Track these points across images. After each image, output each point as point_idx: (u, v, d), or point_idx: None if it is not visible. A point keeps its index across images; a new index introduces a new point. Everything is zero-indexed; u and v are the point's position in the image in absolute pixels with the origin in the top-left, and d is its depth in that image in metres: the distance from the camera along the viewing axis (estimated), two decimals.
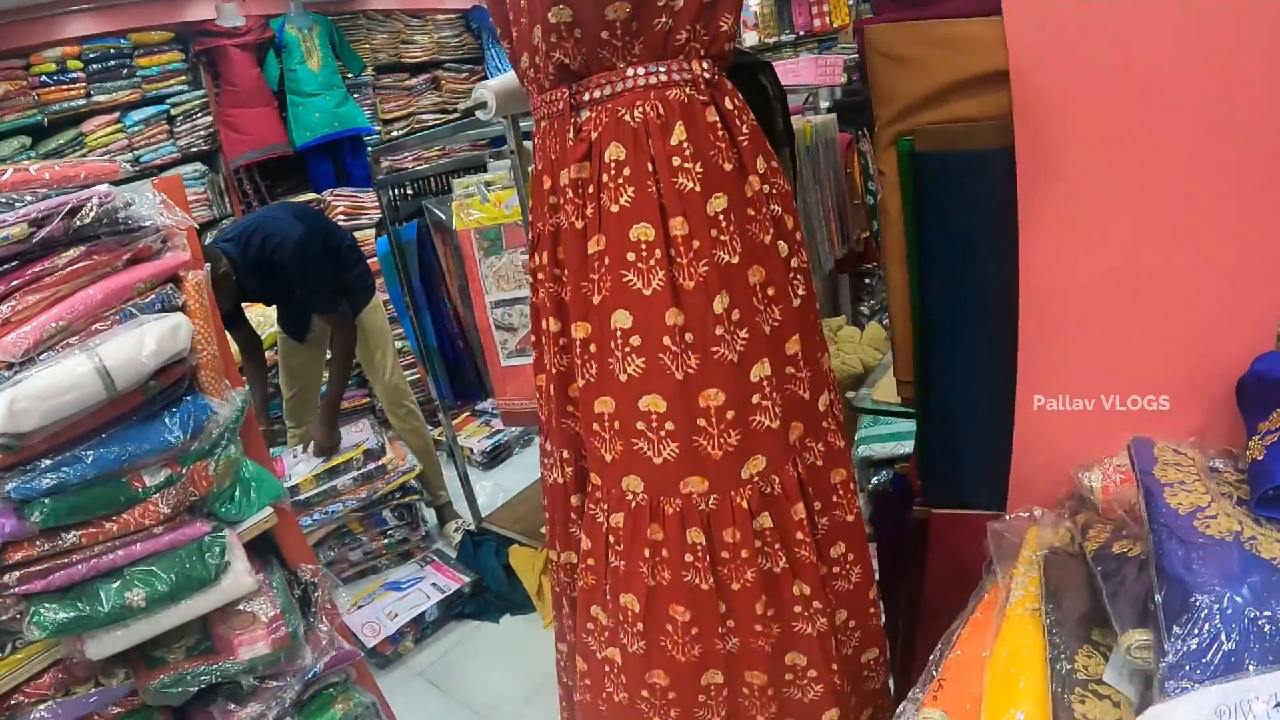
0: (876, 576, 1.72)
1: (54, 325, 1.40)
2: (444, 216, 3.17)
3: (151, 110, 5.77)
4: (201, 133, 5.95)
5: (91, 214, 1.46)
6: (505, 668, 3.23)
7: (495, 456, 5.20)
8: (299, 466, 3.79)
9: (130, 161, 5.62)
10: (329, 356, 3.99)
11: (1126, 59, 1.19)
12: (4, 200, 1.44)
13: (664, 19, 1.29)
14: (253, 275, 3.26)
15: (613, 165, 1.34)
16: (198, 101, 5.94)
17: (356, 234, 4.69)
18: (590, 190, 1.38)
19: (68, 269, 1.45)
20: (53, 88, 5.44)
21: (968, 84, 1.37)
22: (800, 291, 1.46)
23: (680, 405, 1.35)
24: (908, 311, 1.57)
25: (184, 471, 1.58)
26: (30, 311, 1.41)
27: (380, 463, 3.87)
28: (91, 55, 5.56)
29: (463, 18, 7.05)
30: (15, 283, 1.41)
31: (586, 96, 1.36)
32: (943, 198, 1.45)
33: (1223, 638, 0.90)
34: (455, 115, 6.80)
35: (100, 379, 1.39)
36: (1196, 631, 0.92)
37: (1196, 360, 1.26)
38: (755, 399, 1.39)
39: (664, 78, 1.32)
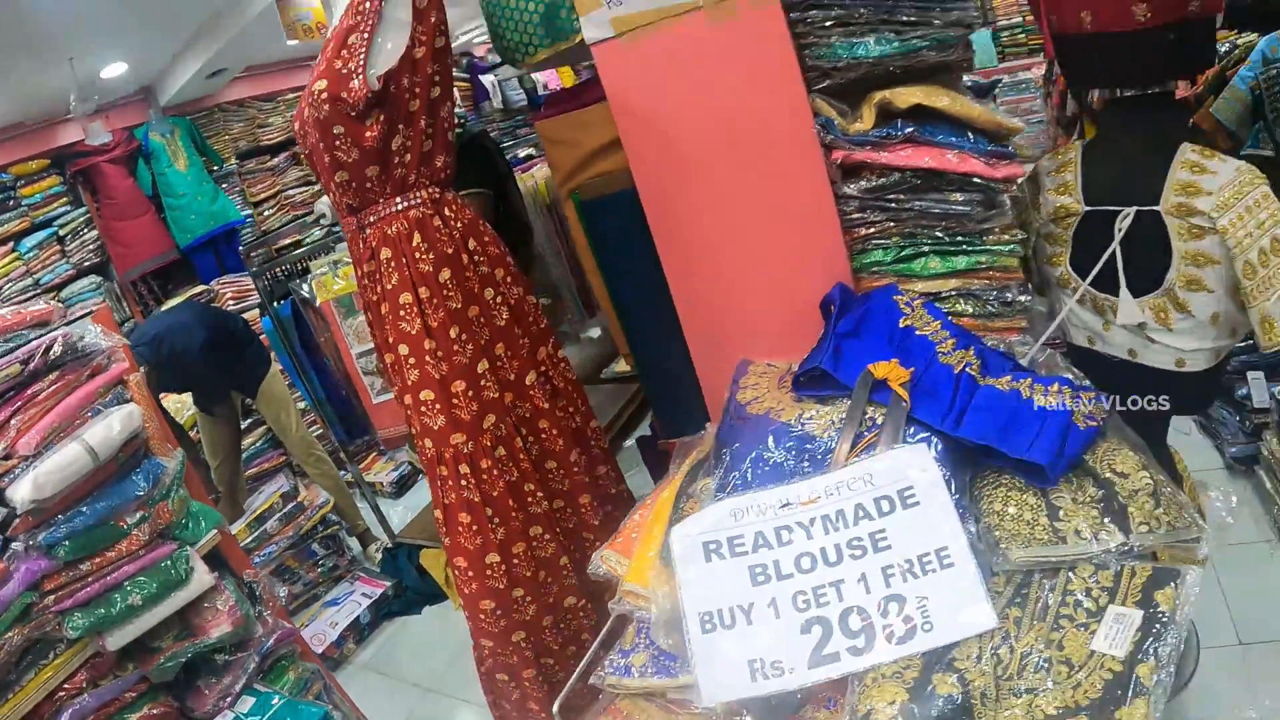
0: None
1: (51, 426, 2.17)
2: (307, 293, 4.00)
3: (42, 235, 6.35)
4: (91, 247, 6.57)
5: (59, 350, 2.25)
6: (431, 646, 4.11)
7: (402, 485, 6.11)
8: (233, 525, 4.57)
9: (30, 285, 6.23)
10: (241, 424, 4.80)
11: (682, 117, 2.04)
12: None
13: (400, 171, 2.17)
14: (170, 376, 4.06)
15: (385, 261, 2.23)
16: (82, 219, 6.54)
17: (245, 314, 5.46)
18: (376, 277, 2.26)
19: (51, 389, 2.24)
20: None
21: (602, 149, 2.30)
22: (504, 316, 2.34)
23: (441, 393, 2.25)
24: (611, 307, 2.48)
25: (151, 510, 2.37)
26: (33, 420, 2.18)
27: (298, 501, 4.69)
28: None
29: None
30: (18, 404, 2.19)
31: (366, 221, 2.25)
32: (605, 227, 2.39)
33: (739, 470, 1.74)
34: (319, 187, 7.55)
35: (88, 455, 2.17)
36: (727, 467, 1.77)
37: (787, 302, 2.05)
38: (482, 383, 2.28)
39: (406, 205, 2.21)
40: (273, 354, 4.74)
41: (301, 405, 5.37)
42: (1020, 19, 9.62)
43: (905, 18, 1.75)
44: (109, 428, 2.24)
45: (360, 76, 2.02)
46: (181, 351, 4.02)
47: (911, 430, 1.59)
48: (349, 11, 2.08)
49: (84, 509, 2.22)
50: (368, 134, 2.07)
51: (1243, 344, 2.57)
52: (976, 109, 1.78)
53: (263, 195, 7.44)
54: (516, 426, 2.36)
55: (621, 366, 3.47)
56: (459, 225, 2.25)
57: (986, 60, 9.57)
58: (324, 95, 2.04)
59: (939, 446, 1.55)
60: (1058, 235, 1.95)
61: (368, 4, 2.04)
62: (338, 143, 2.10)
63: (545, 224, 3.20)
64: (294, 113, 2.26)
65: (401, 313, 2.22)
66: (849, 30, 1.80)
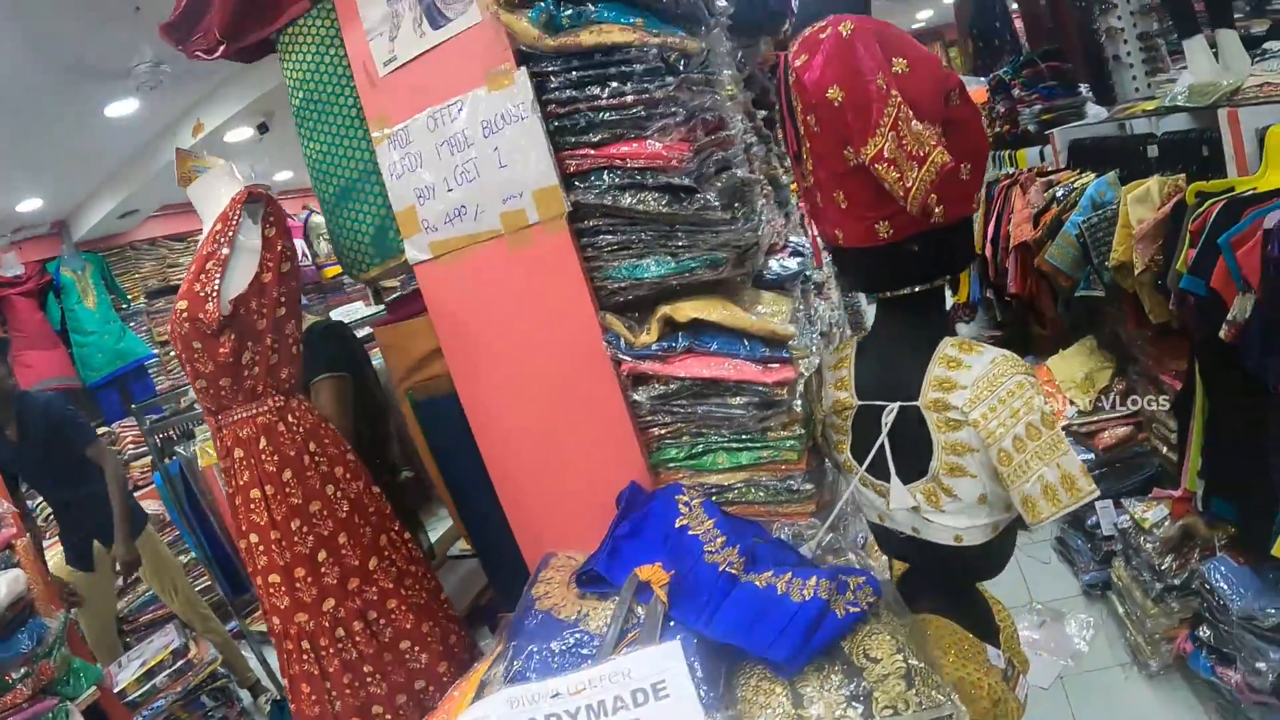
0: None
1: None
2: (191, 458, 4.19)
3: None
4: None
5: None
6: None
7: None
8: (122, 674, 4.61)
9: None
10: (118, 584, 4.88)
11: (492, 329, 2.25)
12: None
13: (249, 382, 2.40)
14: None
15: (238, 459, 2.43)
16: None
17: (139, 461, 5.59)
18: (232, 472, 2.46)
19: None
20: None
21: (429, 355, 2.51)
22: (344, 509, 2.51)
23: (285, 578, 2.41)
24: (446, 495, 2.67)
25: (35, 667, 2.48)
26: None
27: (188, 658, 4.72)
28: None
29: None
30: None
31: (223, 422, 2.46)
32: (436, 424, 2.62)
33: (518, 662, 1.91)
34: None
35: None
36: (512, 658, 1.93)
37: (591, 498, 2.23)
38: (322, 570, 2.44)
39: (254, 411, 2.43)
40: (164, 510, 4.85)
41: (190, 558, 5.45)
42: None
43: (679, 242, 2.00)
44: None
45: (214, 300, 2.29)
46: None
47: (671, 627, 1.77)
48: (209, 239, 2.37)
49: None
50: (221, 350, 2.33)
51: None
52: (749, 320, 2.00)
53: (168, 335, 7.50)
54: (362, 610, 2.51)
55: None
56: (301, 430, 2.48)
57: None
58: (184, 314, 2.32)
59: (694, 642, 1.72)
60: (839, 425, 2.13)
61: (223, 233, 2.35)
62: (196, 356, 2.36)
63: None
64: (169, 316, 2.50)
65: (251, 505, 2.43)
66: (631, 253, 2.04)
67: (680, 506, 2.01)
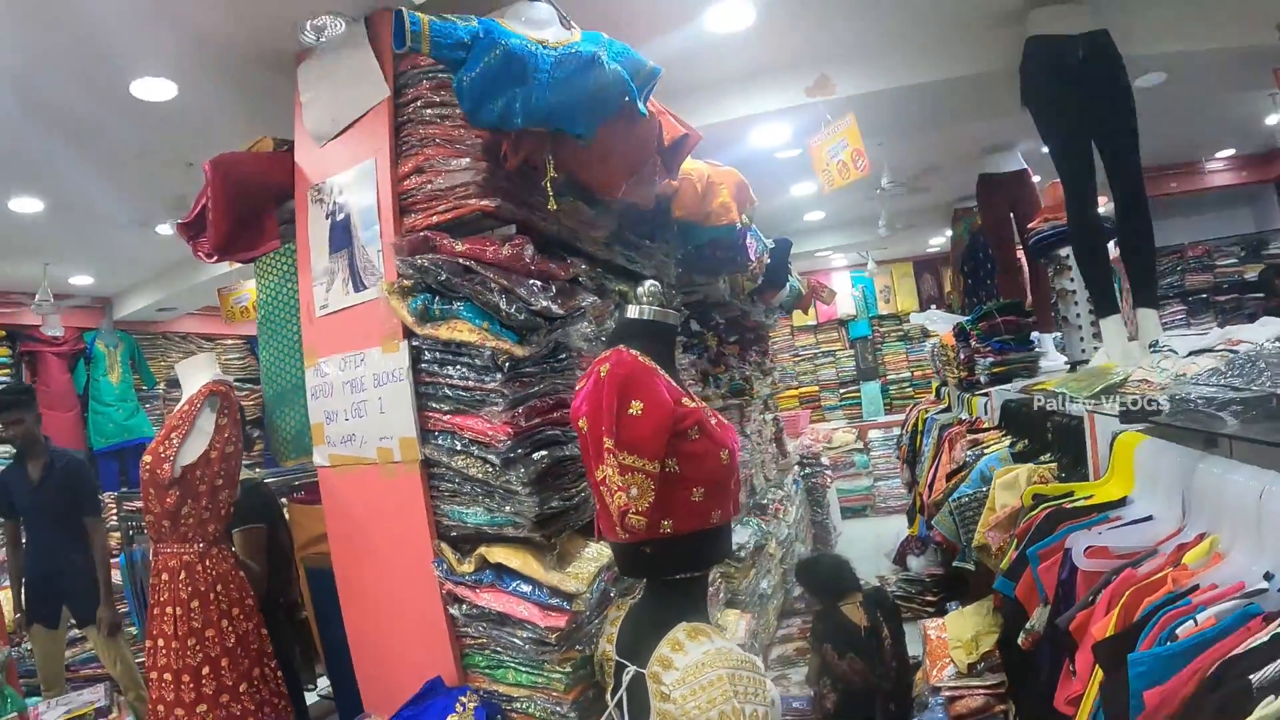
0: None
1: None
2: (148, 550, 4.71)
3: None
4: None
5: None
6: None
7: None
8: (46, 715, 5.04)
9: None
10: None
11: (363, 530, 2.86)
12: None
13: (183, 529, 3.07)
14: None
15: (164, 580, 3.09)
16: None
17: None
18: (158, 588, 3.11)
19: None
20: None
21: (323, 535, 3.08)
22: (231, 640, 3.09)
23: (174, 680, 3.02)
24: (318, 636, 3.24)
25: None
26: None
27: (109, 718, 5.16)
28: None
29: (247, 343, 8.78)
30: None
31: (159, 550, 3.12)
32: (321, 590, 3.18)
33: None
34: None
35: None
36: None
37: (410, 677, 2.76)
38: (202, 681, 3.03)
39: (182, 549, 3.10)
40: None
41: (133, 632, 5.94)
42: (909, 373, 10.99)
43: (493, 501, 2.58)
44: None
45: (169, 464, 3.04)
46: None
47: None
48: (177, 414, 3.15)
49: None
50: (167, 500, 3.06)
51: None
52: (543, 573, 2.53)
53: None
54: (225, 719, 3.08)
55: None
56: (214, 573, 3.13)
57: (875, 411, 10.89)
58: (148, 465, 3.06)
59: None
60: (607, 669, 2.51)
61: (187, 413, 3.11)
62: (150, 497, 3.08)
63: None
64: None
65: (164, 617, 3.07)
66: (459, 501, 2.63)
67: (457, 706, 2.51)
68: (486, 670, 2.65)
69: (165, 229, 5.96)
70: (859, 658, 3.56)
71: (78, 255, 6.63)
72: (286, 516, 3.81)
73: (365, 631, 2.95)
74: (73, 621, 5.28)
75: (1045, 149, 4.02)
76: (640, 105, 2.65)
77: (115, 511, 5.23)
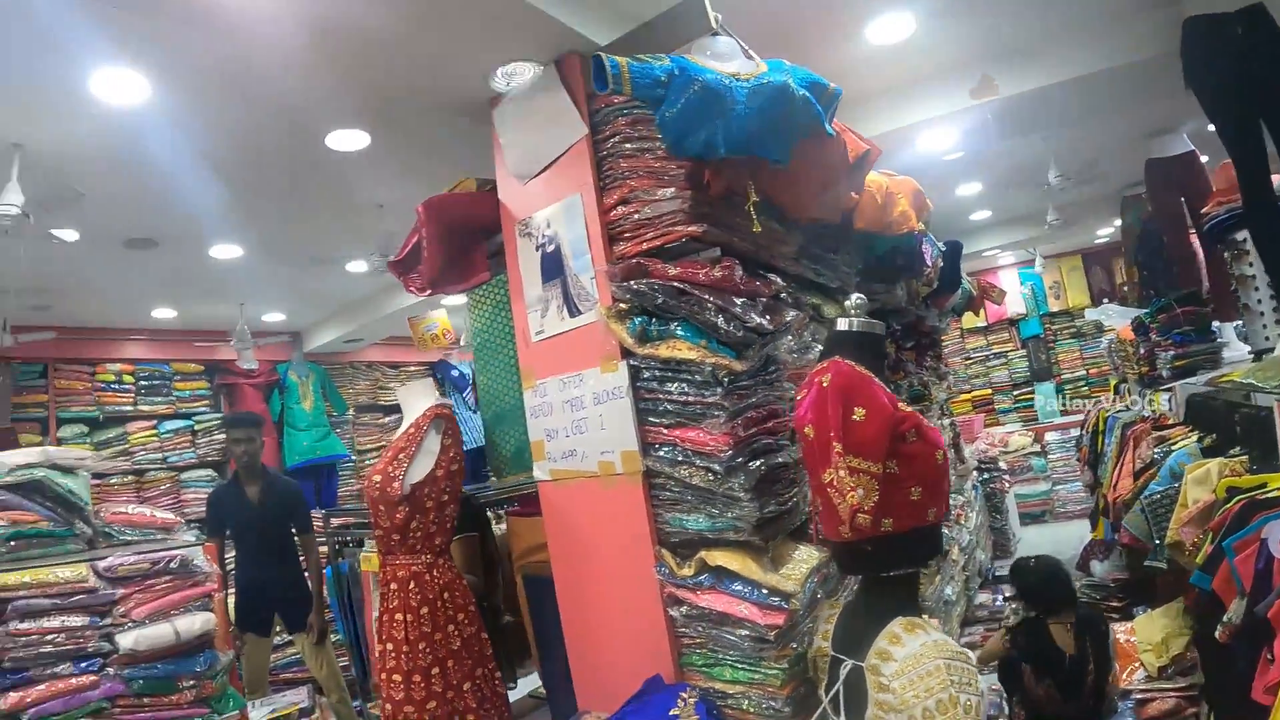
0: None
1: (157, 609, 3.16)
2: (356, 563, 5.06)
3: (181, 423, 7.94)
4: (216, 446, 8.02)
5: (176, 565, 3.28)
6: None
7: None
8: (254, 714, 5.45)
9: (158, 459, 7.73)
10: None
11: (584, 539, 3.07)
12: (114, 530, 3.37)
13: (411, 541, 3.30)
14: None
15: (393, 590, 3.32)
16: (215, 422, 8.04)
17: (323, 548, 6.57)
18: (387, 596, 3.35)
19: (164, 585, 3.25)
20: (109, 393, 7.66)
21: (541, 545, 3.32)
22: (457, 643, 3.32)
23: (405, 680, 3.26)
24: (535, 647, 3.45)
25: (200, 683, 3.26)
26: (146, 601, 3.17)
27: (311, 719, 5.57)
28: (142, 374, 7.81)
29: (430, 369, 9.23)
30: (139, 589, 3.17)
31: (389, 561, 3.36)
32: (538, 596, 3.40)
33: None
34: None
35: (174, 634, 3.15)
36: None
37: (629, 676, 2.92)
38: (431, 680, 3.25)
39: (410, 561, 3.33)
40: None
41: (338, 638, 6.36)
42: (1084, 371, 10.54)
43: (714, 508, 2.74)
44: (192, 622, 3.25)
45: (398, 482, 3.28)
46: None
47: None
48: (404, 436, 3.40)
49: (158, 666, 3.17)
50: (397, 516, 3.30)
51: None
52: (762, 574, 2.67)
53: (368, 446, 8.82)
54: (449, 715, 3.32)
55: None
56: (440, 581, 3.36)
57: (1050, 412, 10.51)
58: (378, 484, 3.31)
59: None
60: (821, 666, 2.62)
61: (414, 436, 3.37)
62: (380, 514, 3.33)
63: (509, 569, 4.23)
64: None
65: (394, 623, 3.31)
66: (681, 509, 2.81)
67: (679, 701, 2.69)
68: (704, 668, 2.81)
69: (354, 267, 6.42)
70: (1057, 690, 3.54)
71: (271, 294, 7.18)
72: (502, 528, 4.08)
73: (583, 634, 3.16)
74: (279, 629, 5.73)
75: (1212, 128, 3.92)
76: (828, 126, 2.79)
77: (324, 527, 5.62)
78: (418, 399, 3.51)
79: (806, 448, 2.36)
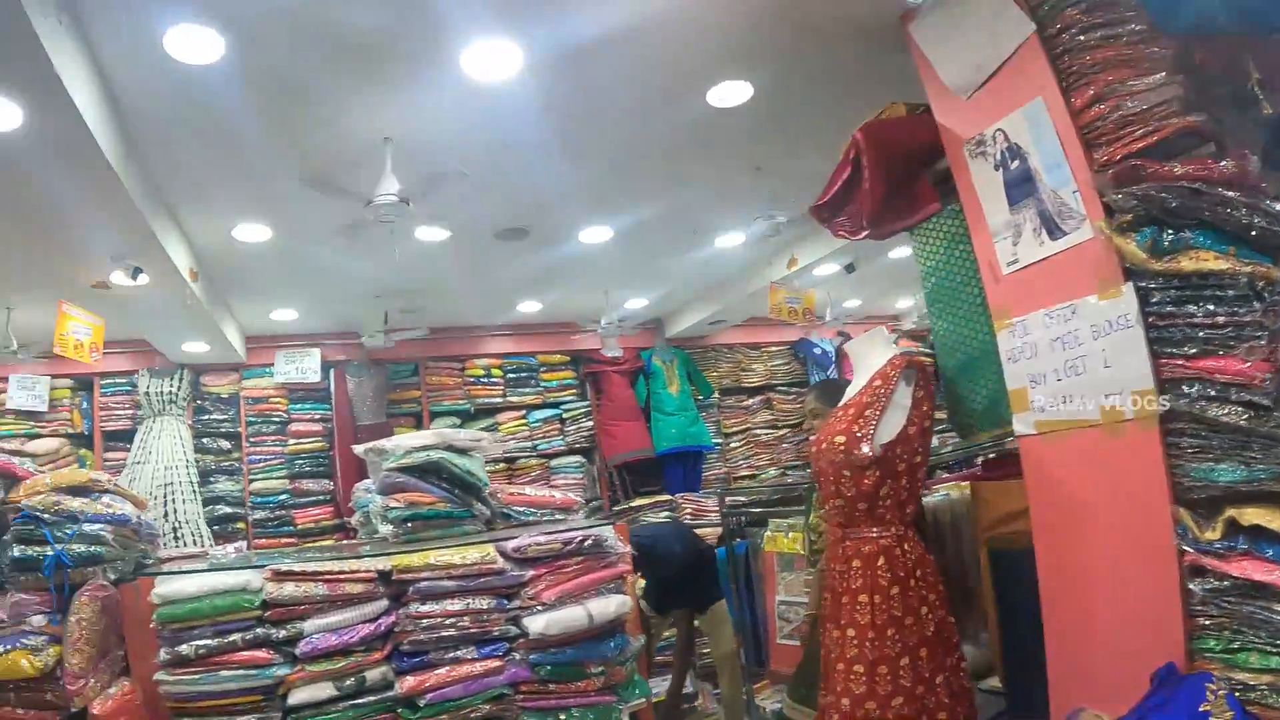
0: None
1: (568, 591, 3.06)
2: (759, 543, 4.88)
3: (549, 412, 8.30)
4: (584, 434, 8.29)
5: (589, 544, 3.17)
6: None
7: (780, 717, 6.53)
8: None
9: (528, 448, 8.12)
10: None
11: (1080, 502, 2.62)
12: (512, 510, 3.36)
13: (880, 510, 2.90)
14: (648, 572, 5.08)
15: (855, 568, 2.93)
16: (583, 410, 8.34)
17: (699, 529, 6.52)
18: (845, 575, 2.96)
19: (575, 566, 3.15)
20: (479, 386, 8.21)
21: (1015, 513, 2.91)
22: (930, 628, 2.88)
23: (868, 670, 2.85)
24: (996, 633, 3.02)
25: (610, 669, 3.12)
26: (557, 583, 3.07)
27: (694, 705, 5.56)
28: (509, 367, 8.29)
29: (791, 348, 9.07)
30: (548, 570, 3.08)
31: (848, 536, 2.97)
32: (1007, 571, 3.00)
33: None
34: (783, 431, 8.82)
35: (587, 618, 3.03)
36: None
37: (1128, 666, 2.48)
38: (900, 671, 2.83)
39: (879, 534, 2.92)
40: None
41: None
42: None
43: (1252, 453, 2.22)
44: (606, 604, 3.12)
45: (868, 442, 2.87)
46: (663, 557, 5.03)
47: None
48: (867, 389, 2.99)
49: (568, 650, 3.06)
50: (865, 482, 2.90)
51: None
52: None
53: (734, 429, 8.72)
54: (917, 714, 2.89)
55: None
56: (912, 557, 2.95)
57: None
58: (841, 447, 2.93)
59: None
60: None
61: (881, 390, 2.94)
62: (842, 480, 2.95)
63: (952, 542, 3.76)
64: (813, 438, 3.12)
65: (858, 606, 2.94)
66: (1208, 457, 2.29)
67: (1208, 694, 2.21)
68: (1222, 654, 2.30)
69: (723, 241, 6.28)
70: None
71: (635, 279, 7.20)
72: (945, 495, 3.69)
73: (1068, 615, 2.70)
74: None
75: None
76: None
77: (719, 508, 5.48)
78: (874, 349, 3.12)
79: None
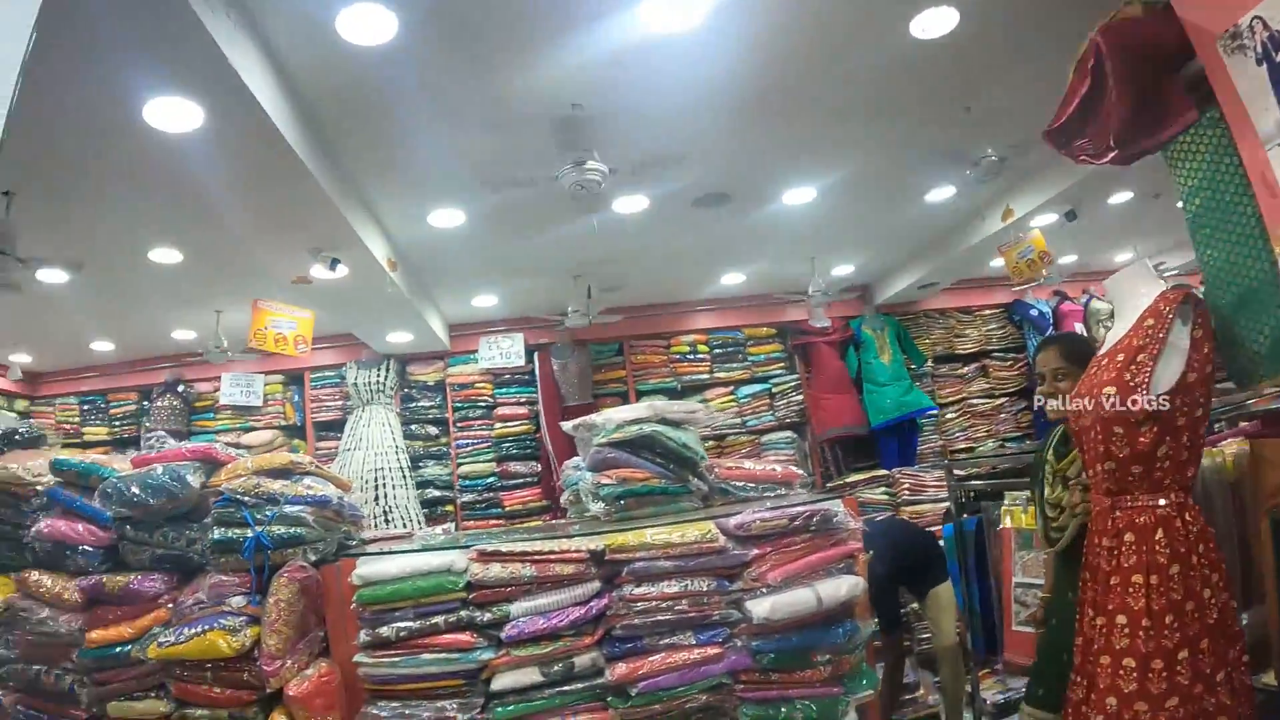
0: None
1: (795, 571, 2.87)
2: (995, 518, 4.54)
3: (757, 387, 8.19)
4: (794, 408, 8.12)
5: (817, 520, 2.98)
6: None
7: (1004, 710, 6.10)
8: None
9: (738, 424, 8.05)
10: None
11: None
12: (730, 486, 3.24)
13: (1158, 474, 2.55)
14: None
15: (1127, 542, 2.58)
16: (792, 383, 8.17)
17: (914, 507, 6.23)
18: (1115, 552, 2.62)
19: (802, 544, 2.96)
20: (685, 363, 8.19)
21: None
22: (1213, 615, 2.51)
23: (1140, 665, 2.50)
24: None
25: (837, 658, 2.92)
26: (783, 562, 2.89)
27: (914, 695, 5.38)
28: (715, 343, 8.24)
29: (1005, 311, 8.54)
30: (773, 549, 2.89)
31: (1119, 504, 2.62)
32: None
33: None
34: (1001, 400, 8.35)
35: (815, 601, 2.83)
36: None
37: None
38: (1177, 667, 2.47)
39: (1155, 502, 2.56)
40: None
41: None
42: None
43: None
44: (837, 587, 2.91)
45: (1144, 392, 2.53)
46: (884, 551, 4.82)
47: None
48: (1137, 331, 2.64)
49: (793, 637, 2.86)
50: (1140, 439, 2.56)
51: None
52: None
53: (949, 399, 8.32)
54: (1194, 716, 2.51)
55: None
56: (1194, 530, 2.58)
57: None
58: (1112, 398, 2.59)
59: None
60: None
61: (1154, 330, 2.59)
62: (1113, 439, 2.61)
63: (1224, 502, 3.26)
64: (1076, 390, 2.77)
65: (1129, 588, 2.58)
66: None
67: None
68: None
69: (932, 196, 5.96)
70: None
71: (842, 243, 6.95)
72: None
73: None
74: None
75: None
76: None
77: (946, 482, 5.21)
78: (1140, 284, 2.76)
79: None
